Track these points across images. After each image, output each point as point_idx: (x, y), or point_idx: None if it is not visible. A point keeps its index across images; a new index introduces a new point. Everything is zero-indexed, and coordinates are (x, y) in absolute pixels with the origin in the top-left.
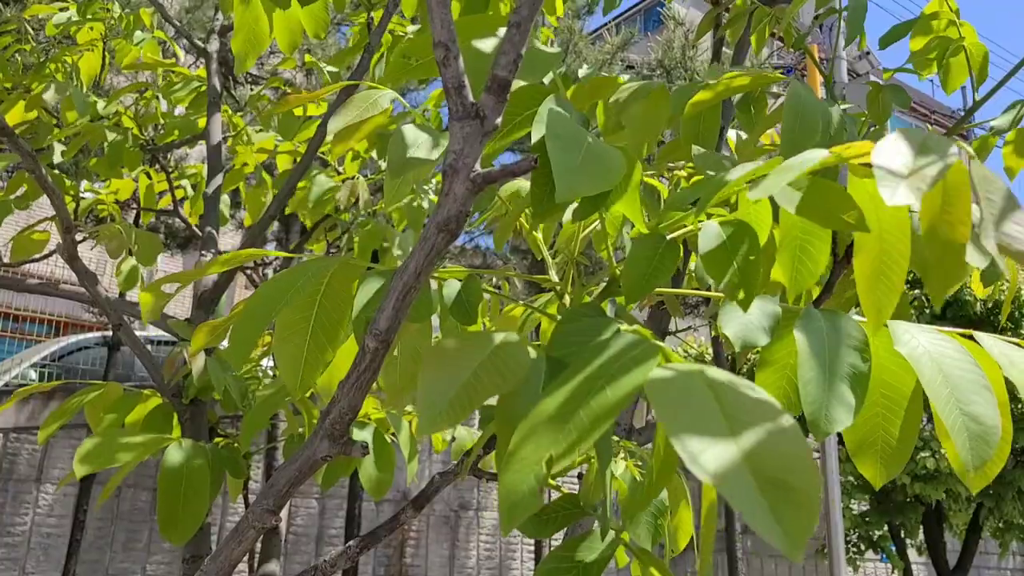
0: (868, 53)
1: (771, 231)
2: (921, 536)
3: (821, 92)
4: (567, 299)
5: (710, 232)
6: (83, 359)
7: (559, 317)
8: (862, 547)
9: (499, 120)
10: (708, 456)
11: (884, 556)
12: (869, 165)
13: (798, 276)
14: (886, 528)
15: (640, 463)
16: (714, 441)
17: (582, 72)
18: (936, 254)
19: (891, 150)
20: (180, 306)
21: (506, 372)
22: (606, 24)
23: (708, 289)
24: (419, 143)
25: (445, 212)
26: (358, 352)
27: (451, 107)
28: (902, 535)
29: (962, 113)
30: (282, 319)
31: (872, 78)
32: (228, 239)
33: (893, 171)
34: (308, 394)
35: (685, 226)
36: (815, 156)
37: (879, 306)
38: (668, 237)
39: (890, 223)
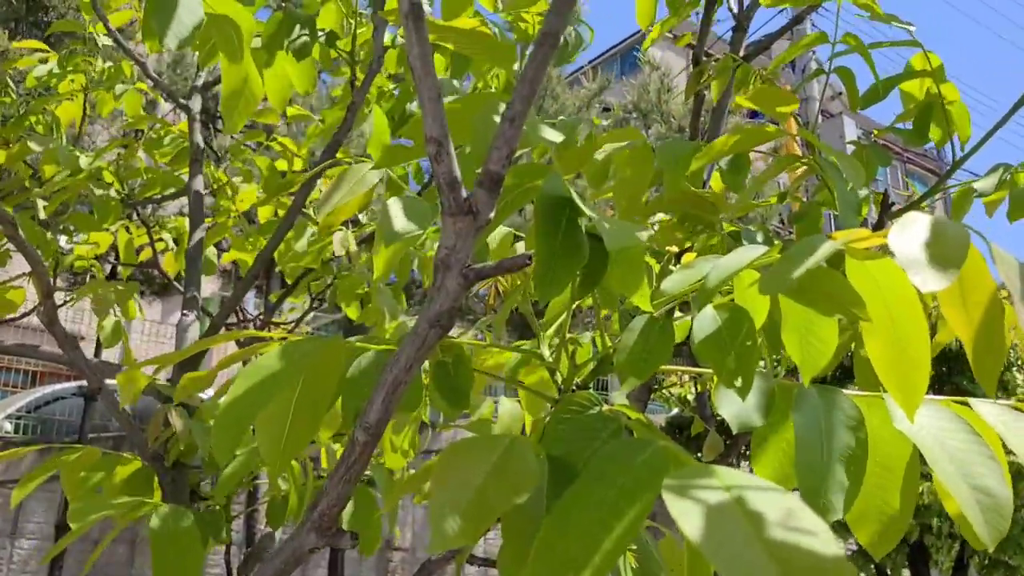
0: (840, 93)
1: (772, 309)
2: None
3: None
4: (559, 376)
5: (705, 317)
6: (59, 409)
7: (552, 399)
8: None
9: (492, 215)
10: (737, 561)
11: None
12: (872, 248)
13: (809, 357)
14: (874, 569)
15: (633, 548)
16: (741, 544)
17: (560, 118)
18: (970, 340)
19: (906, 235)
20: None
21: (517, 482)
22: (583, 68)
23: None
24: (408, 217)
25: (437, 307)
26: (347, 445)
27: (444, 203)
28: (888, 573)
29: (935, 151)
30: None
31: (845, 117)
32: (209, 285)
33: (916, 258)
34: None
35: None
36: (823, 248)
37: (908, 389)
38: (657, 315)
39: (899, 303)
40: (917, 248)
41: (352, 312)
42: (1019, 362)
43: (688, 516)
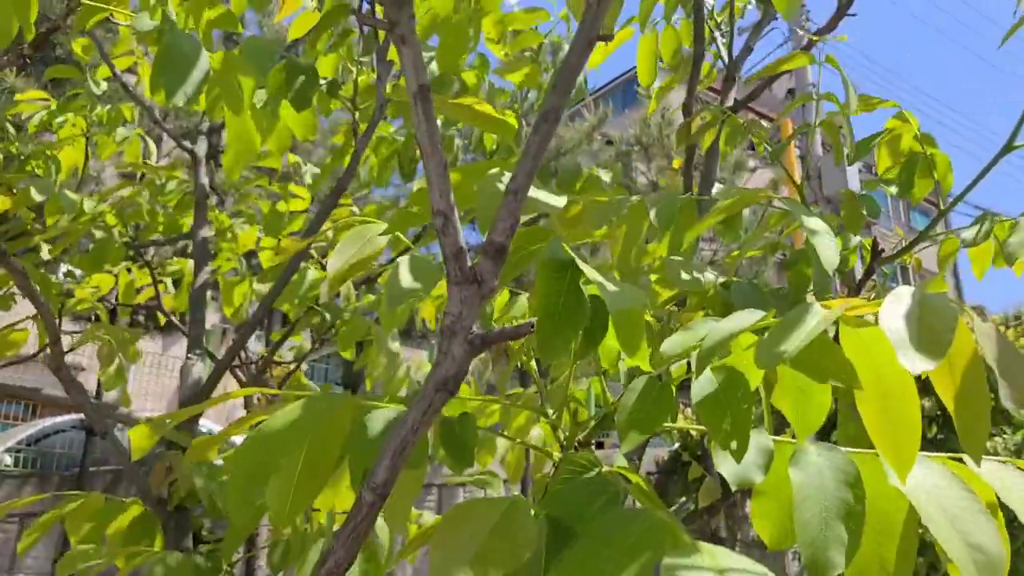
0: (841, 127)
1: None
2: None
3: (797, 169)
4: (561, 434)
5: (703, 380)
6: (59, 442)
7: (554, 454)
8: None
9: (496, 283)
10: None
11: None
12: (863, 317)
13: (803, 419)
14: None
15: None
16: None
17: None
18: (958, 414)
19: (896, 314)
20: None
21: (517, 544)
22: (584, 101)
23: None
24: (416, 277)
25: (443, 372)
26: (354, 504)
27: (450, 273)
28: None
29: (935, 182)
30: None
31: (847, 151)
32: (209, 316)
33: (905, 337)
34: None
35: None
36: (816, 317)
37: (900, 452)
38: (655, 375)
39: (890, 371)
40: (906, 329)
41: (349, 354)
42: None
43: None
